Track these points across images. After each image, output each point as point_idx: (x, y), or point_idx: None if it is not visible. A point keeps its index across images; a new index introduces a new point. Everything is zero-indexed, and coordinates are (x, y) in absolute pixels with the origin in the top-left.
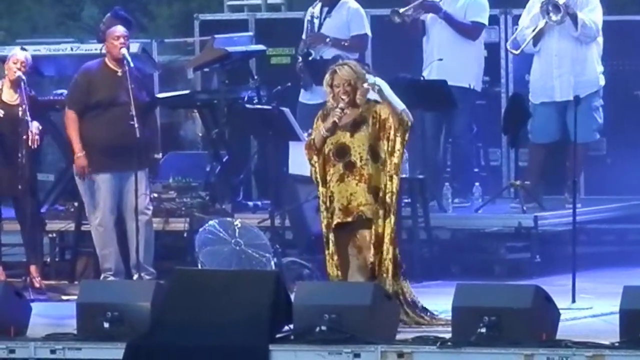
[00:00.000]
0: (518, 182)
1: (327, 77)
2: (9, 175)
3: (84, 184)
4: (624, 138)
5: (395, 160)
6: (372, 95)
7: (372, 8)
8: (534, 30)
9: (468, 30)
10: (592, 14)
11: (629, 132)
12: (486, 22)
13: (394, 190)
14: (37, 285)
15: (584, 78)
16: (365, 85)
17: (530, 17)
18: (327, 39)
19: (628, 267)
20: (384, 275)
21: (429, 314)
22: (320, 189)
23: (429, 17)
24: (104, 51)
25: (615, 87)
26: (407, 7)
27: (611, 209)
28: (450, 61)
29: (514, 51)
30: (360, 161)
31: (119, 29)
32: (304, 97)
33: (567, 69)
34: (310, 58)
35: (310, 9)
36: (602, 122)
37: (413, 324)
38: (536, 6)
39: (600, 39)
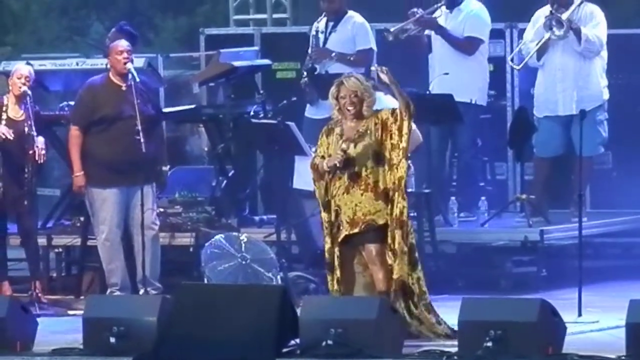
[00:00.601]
0: (524, 196)
1: (333, 89)
2: (15, 191)
3: (91, 199)
4: (630, 152)
5: (403, 144)
6: (380, 102)
7: (378, 22)
8: (537, 44)
9: (463, 46)
10: (596, 29)
11: (635, 146)
12: (485, 37)
13: (403, 174)
14: (42, 300)
15: (588, 92)
16: (372, 97)
17: (534, 31)
18: (333, 54)
19: (634, 281)
20: (393, 293)
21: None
22: (323, 214)
23: (433, 32)
24: (109, 66)
25: (621, 101)
26: (399, 25)
27: (617, 223)
28: (452, 76)
29: (515, 66)
30: (365, 170)
31: (122, 43)
32: (310, 112)
33: (570, 83)
34: (315, 73)
35: (315, 24)
36: (606, 135)
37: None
38: (540, 20)
39: (604, 53)
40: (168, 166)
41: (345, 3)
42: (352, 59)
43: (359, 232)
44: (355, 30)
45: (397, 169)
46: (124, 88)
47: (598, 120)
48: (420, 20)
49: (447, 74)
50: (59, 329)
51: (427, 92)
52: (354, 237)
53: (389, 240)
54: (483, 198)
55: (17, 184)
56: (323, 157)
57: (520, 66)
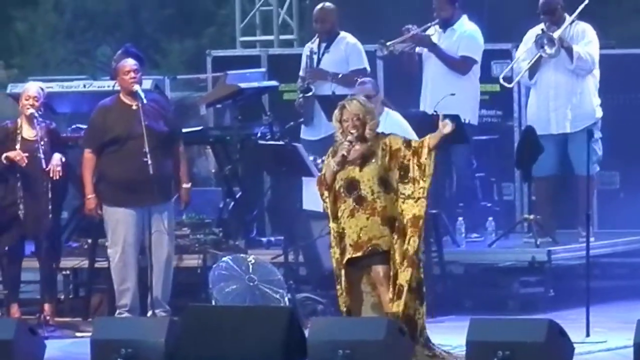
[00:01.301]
0: (531, 217)
1: (337, 112)
2: (36, 212)
3: (106, 218)
4: (637, 172)
5: (424, 184)
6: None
7: (370, 44)
8: (529, 63)
9: (457, 65)
10: (588, 47)
11: None
12: (478, 58)
13: (422, 213)
14: (50, 322)
15: (581, 111)
16: (374, 120)
17: (526, 50)
18: (328, 75)
19: None
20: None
21: (439, 349)
22: (332, 224)
23: (425, 51)
24: (117, 87)
25: (628, 120)
26: (396, 40)
27: (624, 243)
28: (441, 96)
29: (506, 84)
30: (372, 194)
31: (129, 63)
32: (306, 134)
33: (563, 101)
34: (309, 94)
35: (308, 44)
36: (601, 154)
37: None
38: (532, 39)
39: (597, 72)
40: (190, 184)
41: (337, 24)
42: (345, 79)
43: (363, 256)
44: (349, 51)
45: (415, 205)
46: (134, 107)
47: (594, 139)
48: (414, 37)
49: (453, 94)
50: (67, 352)
51: (435, 113)
52: (358, 260)
53: (401, 281)
54: (490, 218)
55: (38, 205)
56: None
57: (512, 84)
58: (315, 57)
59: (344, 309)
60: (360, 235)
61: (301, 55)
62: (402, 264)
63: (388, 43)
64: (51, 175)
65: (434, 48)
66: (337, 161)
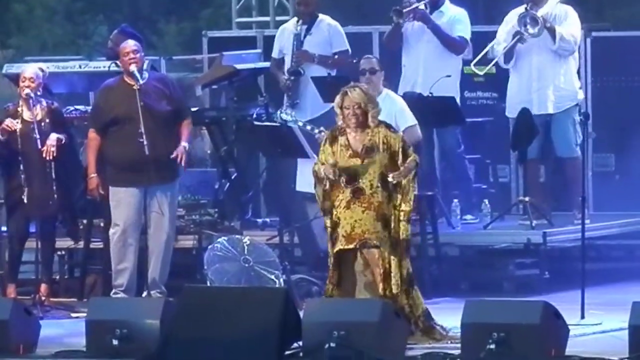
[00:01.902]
0: (527, 199)
1: (338, 99)
2: (40, 193)
3: (110, 198)
4: (632, 154)
5: (406, 208)
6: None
7: (377, 25)
8: (507, 45)
9: (455, 44)
10: (570, 28)
11: (637, 148)
12: (468, 38)
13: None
14: (45, 302)
15: (564, 92)
16: (376, 108)
17: (506, 31)
18: (315, 58)
19: (637, 283)
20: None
21: (439, 327)
22: (325, 219)
23: (409, 29)
24: (112, 68)
25: (623, 103)
26: (408, 8)
27: (620, 225)
28: (437, 77)
29: (476, 71)
30: (370, 189)
31: (129, 44)
32: None
33: (545, 82)
34: (299, 76)
35: (283, 26)
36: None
37: (422, 338)
38: (514, 20)
39: (576, 54)
40: (187, 144)
41: (317, 7)
42: (331, 61)
43: (354, 249)
44: (331, 32)
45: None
46: (135, 87)
47: (573, 120)
48: (416, 11)
49: (449, 76)
50: (62, 332)
51: (430, 94)
52: (350, 251)
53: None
54: (486, 200)
55: (40, 187)
56: (323, 163)
57: (487, 69)
58: (292, 37)
59: (331, 291)
60: (354, 227)
61: None
62: (391, 253)
63: (404, 10)
64: (45, 155)
65: (433, 25)
66: (322, 177)
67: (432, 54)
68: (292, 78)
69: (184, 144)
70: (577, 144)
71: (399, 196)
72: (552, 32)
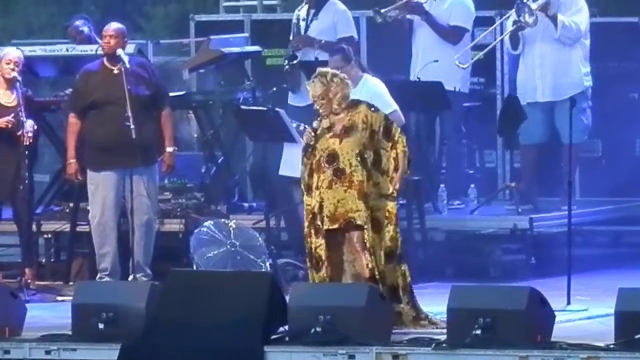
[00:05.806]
0: (514, 184)
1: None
2: (11, 178)
3: (89, 182)
4: (619, 140)
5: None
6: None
7: (365, 9)
8: (507, 33)
9: (449, 34)
10: (577, 16)
11: (624, 134)
12: (470, 26)
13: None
14: (31, 286)
15: (568, 80)
16: (342, 92)
17: (512, 20)
18: (317, 42)
19: (623, 269)
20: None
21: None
22: (305, 197)
23: (416, 18)
24: (100, 52)
25: (610, 89)
26: (390, 7)
27: (607, 211)
28: (436, 64)
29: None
30: (350, 167)
31: (111, 27)
32: (293, 100)
33: (548, 70)
34: (295, 61)
35: (297, 11)
36: (589, 123)
37: (410, 321)
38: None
39: (587, 41)
40: (174, 148)
41: None
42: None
43: (339, 228)
44: (337, 18)
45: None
46: (115, 72)
47: (581, 108)
48: (408, 4)
49: (437, 61)
50: (48, 315)
51: (417, 79)
52: (337, 231)
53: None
54: (473, 186)
55: (12, 171)
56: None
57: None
58: (303, 23)
59: (314, 277)
60: (338, 207)
61: (284, 21)
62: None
63: (383, 11)
64: (24, 141)
65: (427, 17)
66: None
67: (431, 43)
68: (291, 63)
69: (169, 149)
70: (583, 130)
71: (388, 170)
72: (554, 20)
